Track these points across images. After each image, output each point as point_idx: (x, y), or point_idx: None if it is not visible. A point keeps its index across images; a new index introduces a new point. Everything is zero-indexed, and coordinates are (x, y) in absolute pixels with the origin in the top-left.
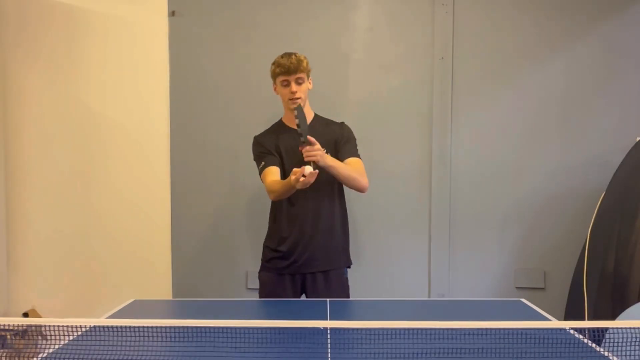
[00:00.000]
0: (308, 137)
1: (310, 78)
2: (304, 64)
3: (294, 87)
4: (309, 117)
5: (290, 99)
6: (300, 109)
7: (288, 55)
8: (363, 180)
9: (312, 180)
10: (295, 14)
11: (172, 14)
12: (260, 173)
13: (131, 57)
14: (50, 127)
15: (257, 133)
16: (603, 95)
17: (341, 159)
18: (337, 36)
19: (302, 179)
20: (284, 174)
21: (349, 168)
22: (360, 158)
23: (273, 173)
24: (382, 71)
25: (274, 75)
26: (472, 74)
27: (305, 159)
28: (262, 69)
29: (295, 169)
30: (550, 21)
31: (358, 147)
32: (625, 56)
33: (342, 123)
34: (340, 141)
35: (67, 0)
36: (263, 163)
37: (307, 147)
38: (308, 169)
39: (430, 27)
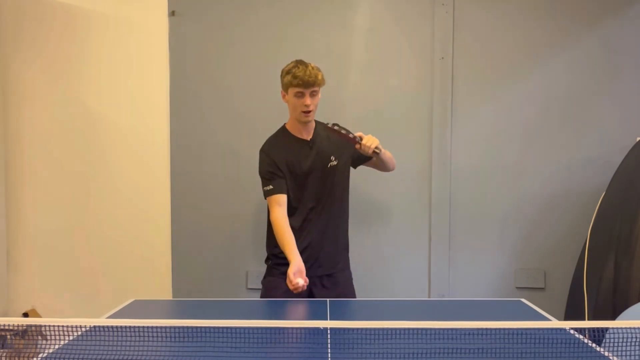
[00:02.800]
0: (358, 134)
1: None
2: (320, 77)
3: (308, 100)
4: (313, 125)
5: (303, 112)
6: (337, 127)
7: (304, 66)
8: (394, 161)
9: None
10: (295, 14)
11: (172, 13)
12: (265, 195)
13: (131, 57)
14: (50, 127)
15: (257, 133)
16: (603, 95)
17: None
18: (337, 36)
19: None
20: (290, 188)
21: (388, 152)
22: None
23: (280, 203)
24: (382, 71)
25: (288, 85)
26: (472, 74)
27: (370, 153)
28: (262, 68)
29: (294, 282)
30: (550, 21)
31: None
32: (625, 56)
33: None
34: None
35: (67, 0)
36: (270, 187)
37: (363, 141)
38: (300, 283)
39: (430, 27)
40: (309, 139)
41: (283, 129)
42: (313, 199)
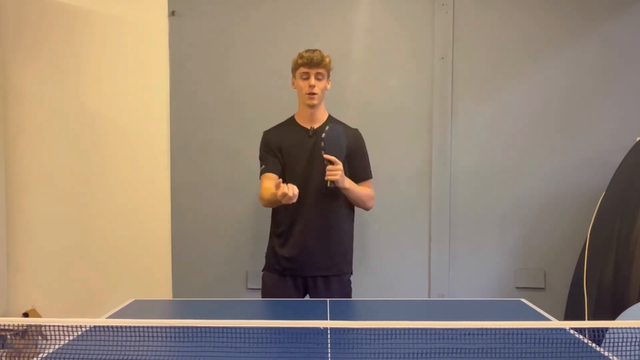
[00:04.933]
0: (332, 158)
1: (329, 79)
2: (327, 61)
3: (312, 80)
4: (323, 118)
5: (307, 93)
6: (332, 130)
7: (312, 50)
8: (370, 203)
9: (295, 200)
10: (295, 14)
11: (172, 14)
12: (260, 175)
13: (131, 57)
14: (50, 127)
15: (257, 133)
16: (603, 96)
17: (356, 175)
18: (337, 36)
19: (285, 197)
20: (284, 172)
21: (362, 192)
22: (371, 177)
23: (269, 179)
24: (382, 71)
25: (295, 67)
26: (472, 74)
27: (327, 178)
28: (262, 68)
29: (282, 185)
30: (551, 21)
31: None
32: (625, 56)
33: (356, 130)
34: (355, 153)
35: (67, 0)
36: (263, 166)
37: (330, 167)
38: (292, 189)
39: (430, 27)
40: (309, 128)
41: (290, 118)
42: (309, 191)
